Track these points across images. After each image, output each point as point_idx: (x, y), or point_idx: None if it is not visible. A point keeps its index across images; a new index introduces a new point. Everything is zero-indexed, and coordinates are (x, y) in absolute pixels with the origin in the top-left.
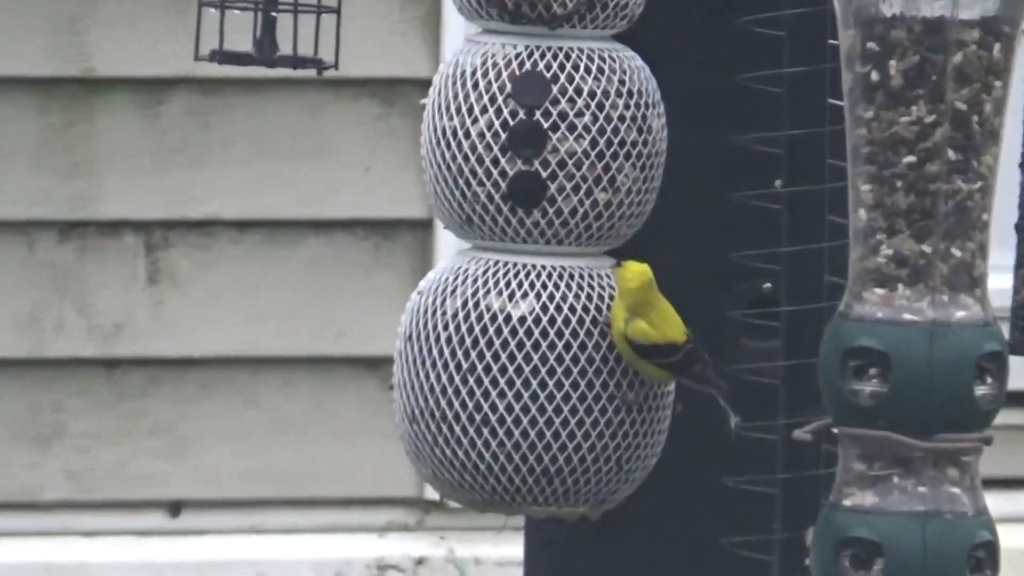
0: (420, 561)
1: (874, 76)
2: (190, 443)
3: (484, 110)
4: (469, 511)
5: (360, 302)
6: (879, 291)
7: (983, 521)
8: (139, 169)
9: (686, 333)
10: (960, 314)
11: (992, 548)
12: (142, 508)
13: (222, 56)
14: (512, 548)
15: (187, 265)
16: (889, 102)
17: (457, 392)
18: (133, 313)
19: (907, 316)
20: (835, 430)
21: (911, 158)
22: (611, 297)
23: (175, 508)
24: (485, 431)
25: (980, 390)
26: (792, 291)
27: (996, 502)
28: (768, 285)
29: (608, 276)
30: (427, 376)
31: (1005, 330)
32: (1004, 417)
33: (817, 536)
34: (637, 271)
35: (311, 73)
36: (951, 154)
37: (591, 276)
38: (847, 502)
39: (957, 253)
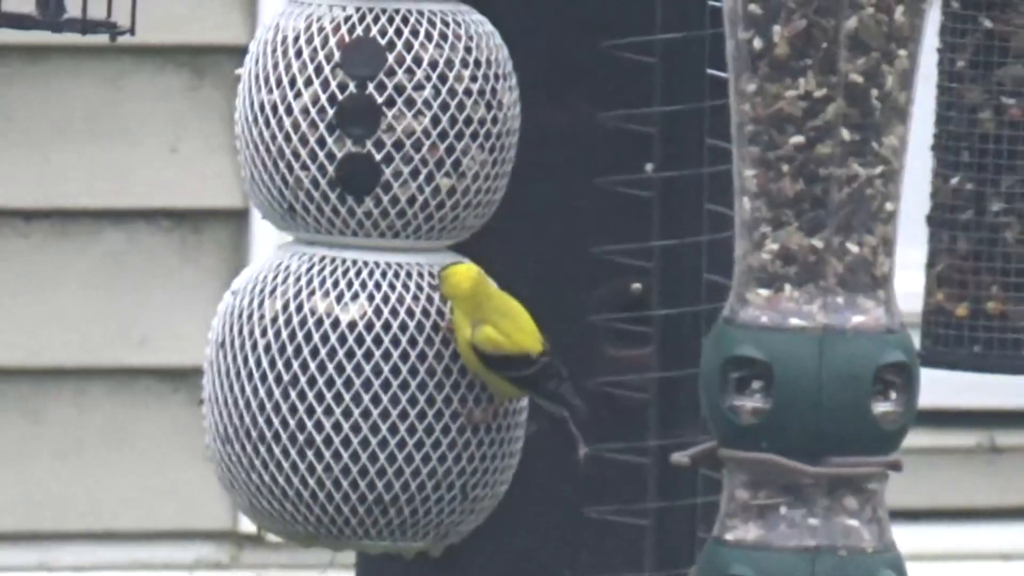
0: None
1: (757, 43)
2: None
3: (308, 82)
4: (291, 545)
5: (165, 304)
6: (763, 292)
7: (888, 559)
8: None
9: (542, 343)
10: (857, 319)
11: None
12: None
13: (0, 18)
14: None
15: None
16: (774, 74)
17: (277, 408)
18: None
19: (794, 321)
20: (719, 453)
21: (799, 138)
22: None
23: None
24: (309, 453)
25: (881, 407)
26: (666, 292)
27: (907, 536)
28: (638, 285)
29: None
30: (242, 390)
31: (916, 338)
32: (916, 439)
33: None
34: (464, 273)
35: (104, 39)
36: (845, 134)
37: (431, 275)
38: (729, 536)
39: (854, 248)
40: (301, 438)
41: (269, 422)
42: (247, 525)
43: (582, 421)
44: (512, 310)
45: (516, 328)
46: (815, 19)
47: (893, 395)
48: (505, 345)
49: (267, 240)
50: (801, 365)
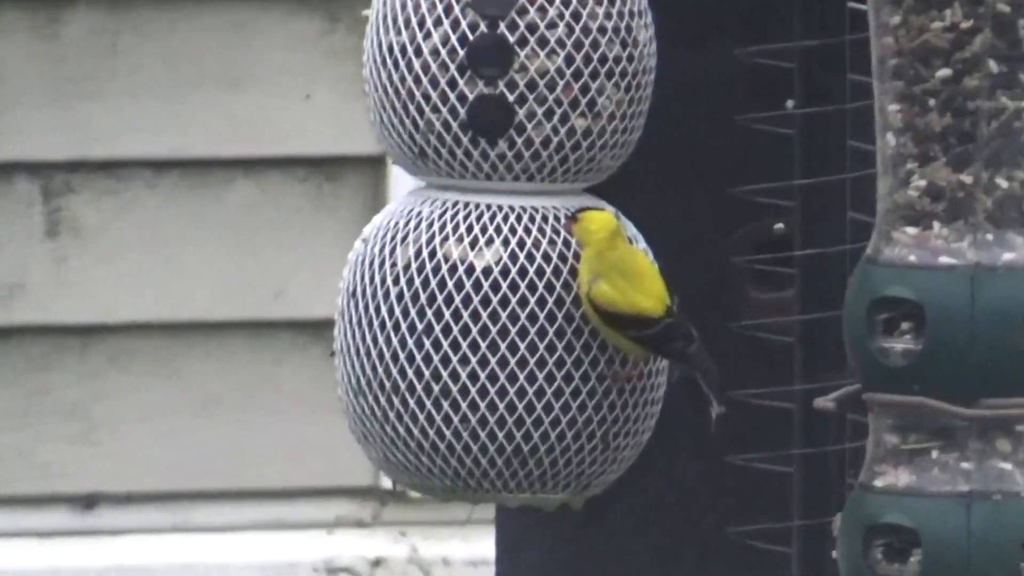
0: (377, 563)
1: None
2: (102, 426)
3: (438, 22)
4: (433, 501)
5: (301, 255)
6: (911, 230)
7: None
8: (34, 101)
9: (666, 305)
10: (1008, 256)
11: None
12: (47, 504)
13: None
14: (485, 545)
15: (93, 214)
16: (918, 5)
17: (411, 358)
18: (30, 272)
19: (944, 259)
20: (864, 397)
21: (946, 71)
22: None
23: (87, 503)
24: (445, 403)
25: None
26: (809, 232)
27: None
28: (780, 225)
29: None
30: (375, 340)
31: None
32: None
33: (844, 523)
34: (598, 220)
35: None
36: (993, 66)
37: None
38: (878, 482)
39: (1003, 183)
40: (436, 388)
41: (403, 372)
42: (390, 481)
43: (715, 381)
44: (635, 269)
45: (634, 288)
46: None
47: None
48: (619, 303)
49: (405, 187)
50: (953, 304)
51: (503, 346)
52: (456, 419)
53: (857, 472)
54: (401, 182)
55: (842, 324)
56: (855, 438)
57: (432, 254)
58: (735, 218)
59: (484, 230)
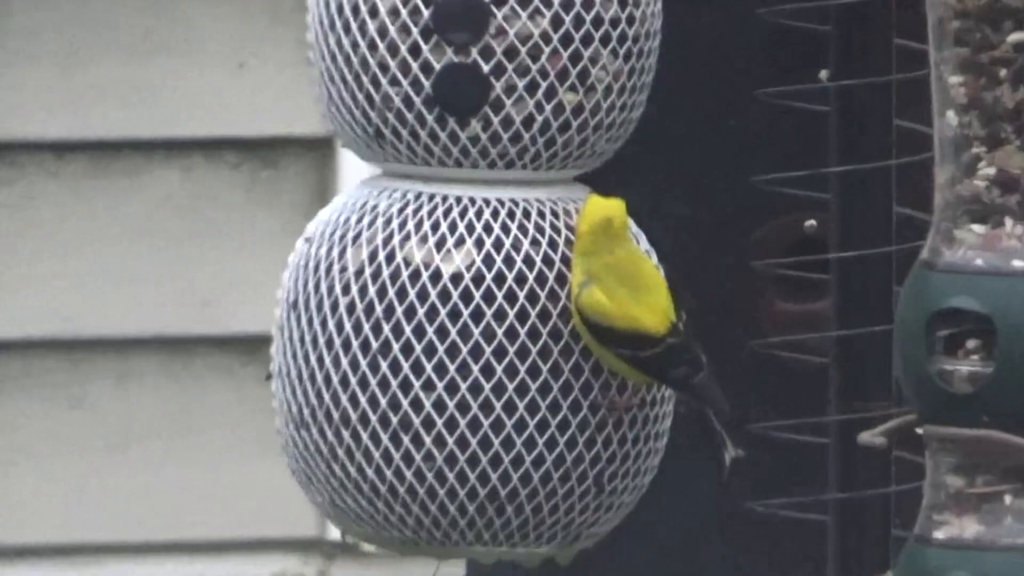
0: None
1: None
2: None
3: None
4: (389, 556)
5: (232, 258)
6: (978, 228)
7: None
8: None
9: (671, 321)
10: None
11: None
12: None
13: None
14: None
15: None
16: None
17: (364, 383)
18: None
19: (1018, 263)
20: (919, 430)
21: (1019, 35)
22: None
23: None
24: (405, 438)
25: None
26: (847, 230)
27: None
28: (812, 222)
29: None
30: (320, 361)
31: None
32: None
33: None
34: (605, 209)
35: None
36: None
37: (555, 214)
38: (939, 534)
39: None
40: (395, 419)
41: (354, 400)
42: (338, 532)
43: (725, 419)
44: (639, 275)
45: (634, 298)
46: None
47: None
48: (613, 315)
49: (358, 176)
50: None
51: (475, 369)
52: (418, 457)
53: (907, 521)
54: (353, 170)
55: (892, 342)
56: (905, 480)
57: (390, 257)
58: (757, 214)
59: (453, 228)
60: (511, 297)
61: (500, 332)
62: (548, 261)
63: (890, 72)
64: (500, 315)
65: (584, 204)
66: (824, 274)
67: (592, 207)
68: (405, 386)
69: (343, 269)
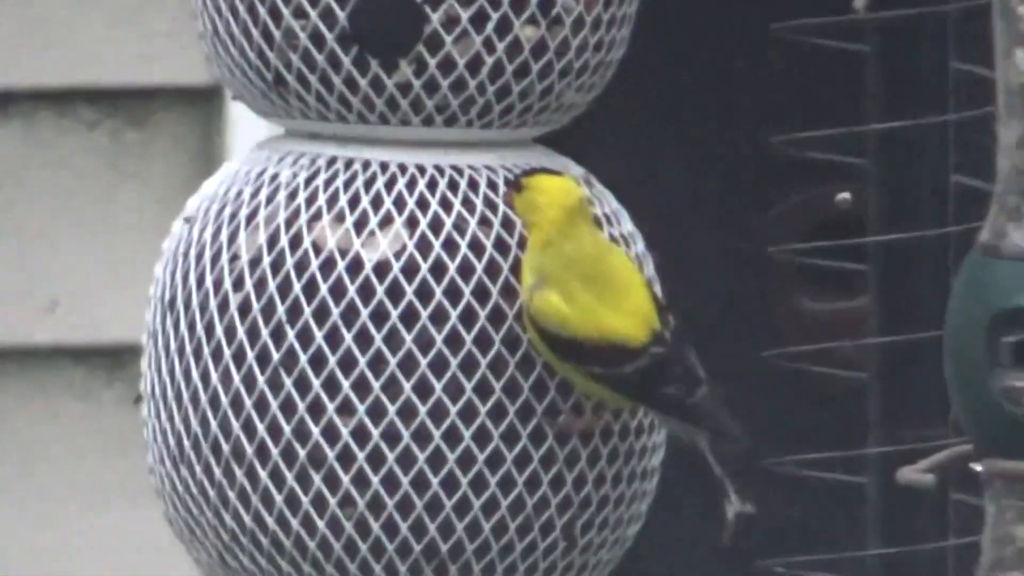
0: None
1: None
2: None
3: None
4: None
5: (88, 245)
6: None
7: None
8: None
9: (653, 329)
10: None
11: None
12: None
13: None
14: None
15: None
16: None
17: (262, 406)
18: None
19: None
20: (976, 465)
21: None
22: None
23: None
24: (316, 478)
25: None
26: (889, 206)
27: None
28: (846, 195)
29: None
30: (205, 378)
31: None
32: None
33: None
34: (554, 191)
35: None
36: None
37: (509, 184)
38: None
39: None
40: (302, 453)
41: (249, 428)
42: None
43: (732, 450)
44: (607, 272)
45: (602, 300)
46: None
47: None
48: (574, 324)
49: (253, 137)
50: None
51: (407, 387)
52: (333, 501)
53: None
54: (246, 129)
55: (943, 351)
56: (963, 530)
57: (295, 242)
58: (775, 184)
59: (377, 203)
60: (454, 293)
61: (439, 339)
62: (502, 246)
63: (943, 2)
64: (439, 317)
65: (528, 189)
66: (861, 263)
67: (536, 194)
68: (315, 410)
69: (234, 257)
